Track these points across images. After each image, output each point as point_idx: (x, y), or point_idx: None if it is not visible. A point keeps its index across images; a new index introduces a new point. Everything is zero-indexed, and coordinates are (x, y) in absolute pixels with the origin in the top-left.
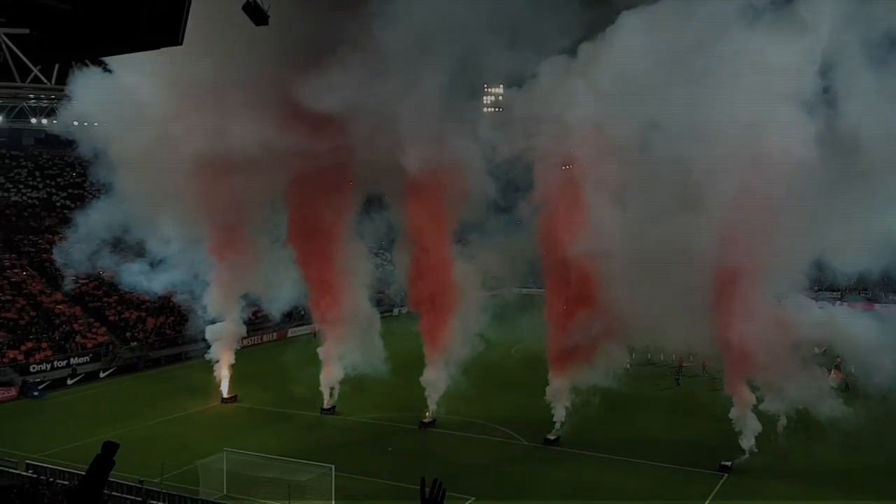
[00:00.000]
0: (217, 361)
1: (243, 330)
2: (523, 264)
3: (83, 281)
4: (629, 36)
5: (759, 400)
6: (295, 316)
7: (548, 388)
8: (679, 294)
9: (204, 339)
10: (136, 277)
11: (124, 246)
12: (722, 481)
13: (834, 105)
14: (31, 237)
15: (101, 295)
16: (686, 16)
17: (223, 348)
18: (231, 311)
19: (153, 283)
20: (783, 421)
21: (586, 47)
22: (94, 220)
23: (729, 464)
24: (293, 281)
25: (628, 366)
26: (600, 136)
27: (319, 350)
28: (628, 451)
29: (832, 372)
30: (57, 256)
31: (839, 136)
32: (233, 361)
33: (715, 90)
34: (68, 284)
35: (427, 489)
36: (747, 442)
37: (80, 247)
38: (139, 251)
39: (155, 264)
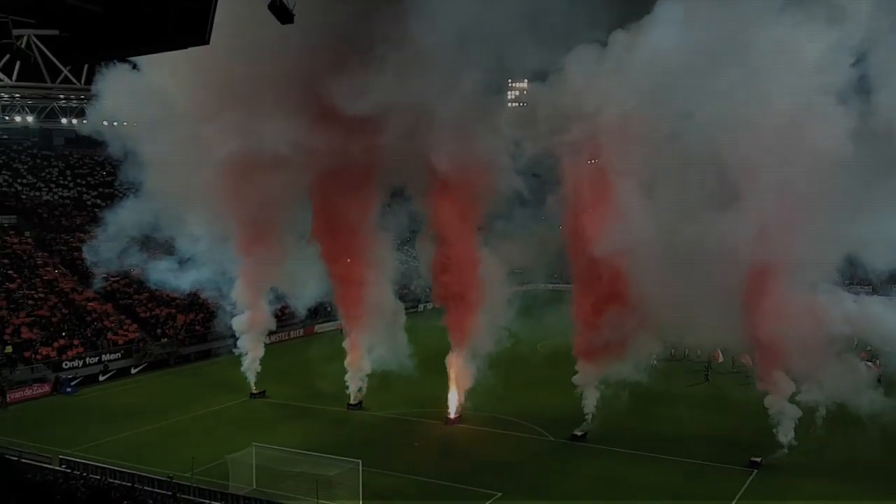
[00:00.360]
0: (245, 354)
1: (272, 323)
2: (548, 257)
3: (114, 279)
4: (665, 25)
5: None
6: (321, 312)
7: (574, 380)
8: (710, 289)
9: (233, 336)
10: (164, 275)
11: (153, 244)
12: (751, 478)
13: (868, 95)
14: (62, 236)
15: (131, 292)
16: (725, 4)
17: (252, 340)
18: (258, 302)
19: (180, 280)
20: (822, 412)
21: (619, 36)
22: (123, 219)
23: (759, 460)
24: (318, 277)
25: (655, 361)
26: (630, 128)
27: (345, 345)
28: (656, 447)
29: (870, 364)
30: (86, 255)
31: (873, 127)
32: (261, 354)
33: (751, 82)
34: (97, 283)
35: None
36: (786, 435)
37: (109, 245)
38: (168, 249)
39: (183, 262)
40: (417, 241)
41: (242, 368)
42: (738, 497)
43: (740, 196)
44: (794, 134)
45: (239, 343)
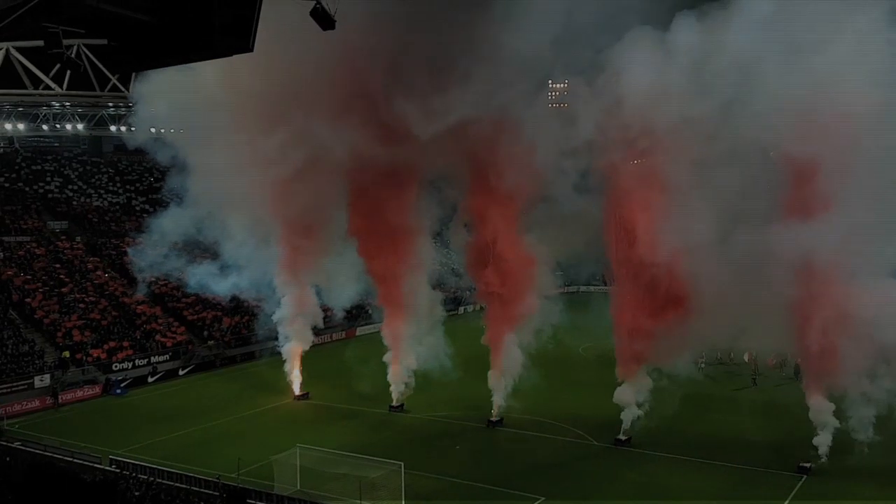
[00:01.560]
0: (288, 341)
1: (319, 315)
2: (592, 243)
3: (163, 282)
4: (744, 12)
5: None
6: (362, 315)
7: (616, 390)
8: (763, 291)
9: (275, 338)
10: (204, 279)
11: (197, 249)
12: (801, 483)
13: None
14: (112, 240)
15: (179, 295)
16: None
17: (297, 331)
18: (303, 289)
19: (220, 285)
20: None
21: (684, 19)
22: (166, 225)
23: (808, 465)
24: (356, 277)
25: (702, 365)
26: (690, 129)
27: (386, 343)
28: (701, 452)
29: None
30: (132, 260)
31: None
32: (307, 346)
33: (826, 77)
34: (141, 289)
35: None
36: (865, 431)
37: (152, 251)
38: (213, 254)
39: (225, 266)
40: (452, 235)
41: (283, 357)
42: (787, 500)
43: (800, 197)
44: (857, 132)
45: (280, 334)
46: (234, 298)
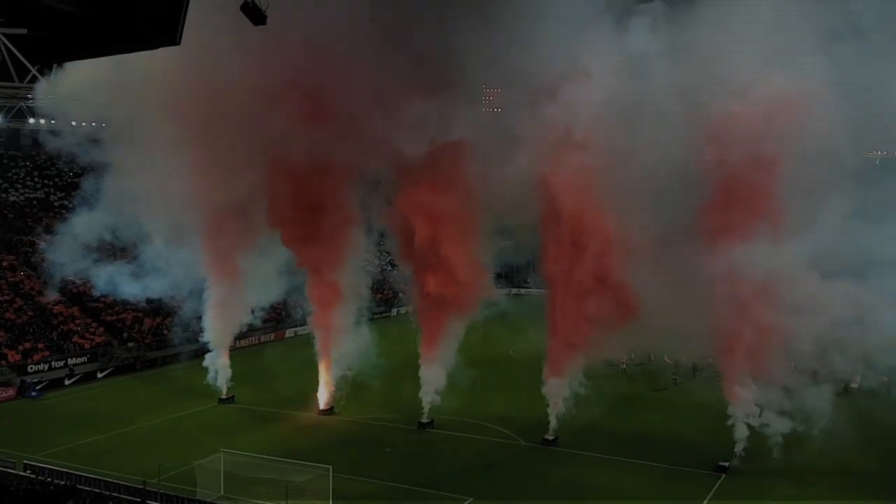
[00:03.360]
0: (211, 351)
1: (248, 307)
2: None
3: (81, 282)
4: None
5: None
6: (289, 316)
7: (544, 389)
8: (689, 295)
9: (199, 340)
10: (113, 279)
11: (112, 249)
12: (719, 482)
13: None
14: (28, 237)
15: (97, 296)
16: None
17: (227, 323)
18: (232, 274)
19: (131, 286)
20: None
21: (650, 11)
22: (81, 225)
23: (726, 464)
24: (279, 276)
25: (624, 366)
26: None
27: (316, 339)
28: (626, 452)
29: None
30: (43, 257)
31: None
32: (231, 344)
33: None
34: (52, 290)
35: None
36: (822, 417)
37: (65, 250)
38: (129, 255)
39: (139, 267)
40: (375, 217)
41: (207, 364)
42: (707, 499)
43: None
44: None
45: (206, 324)
46: (151, 300)
